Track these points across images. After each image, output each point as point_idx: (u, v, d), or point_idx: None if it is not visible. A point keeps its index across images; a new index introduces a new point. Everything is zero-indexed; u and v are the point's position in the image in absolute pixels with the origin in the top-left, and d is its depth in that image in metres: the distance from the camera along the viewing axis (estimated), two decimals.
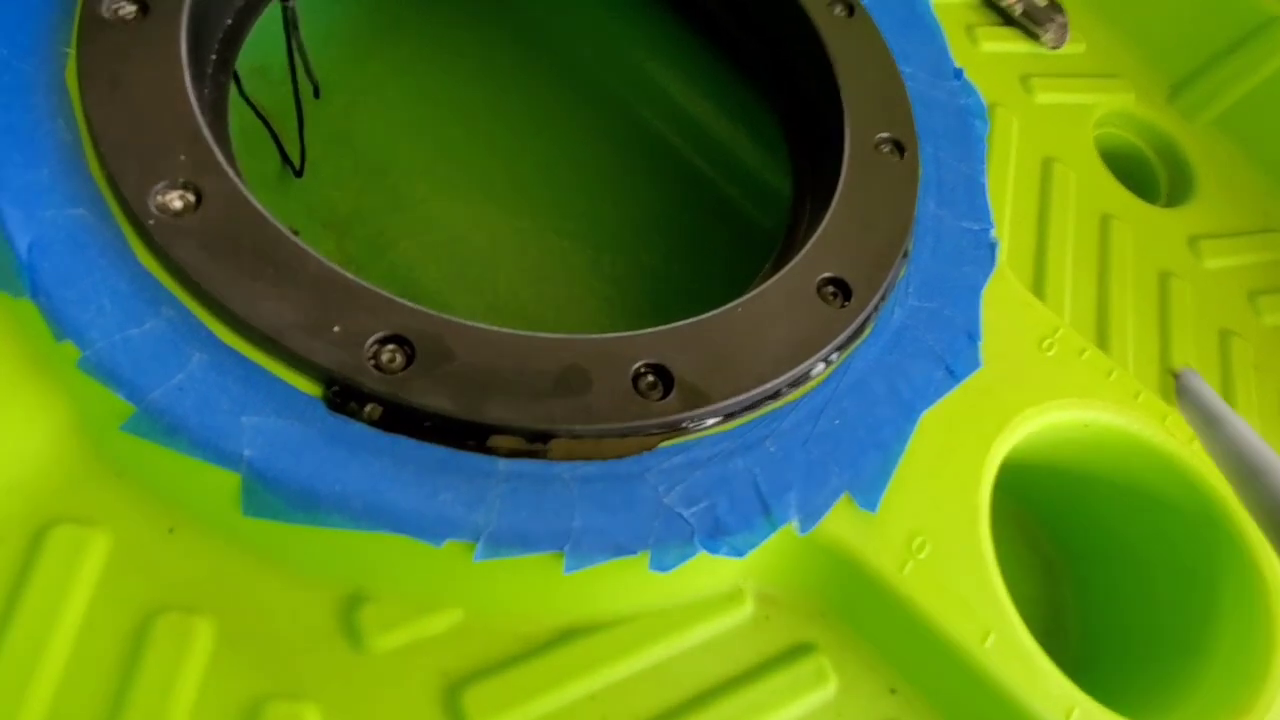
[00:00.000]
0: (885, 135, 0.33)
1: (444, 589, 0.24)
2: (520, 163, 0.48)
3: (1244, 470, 0.15)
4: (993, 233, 0.33)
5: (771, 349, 0.28)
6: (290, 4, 0.34)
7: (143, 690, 0.21)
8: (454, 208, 0.49)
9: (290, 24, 0.34)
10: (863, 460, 0.27)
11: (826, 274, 0.29)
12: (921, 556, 0.26)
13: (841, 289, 0.29)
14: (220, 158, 0.26)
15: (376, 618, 0.23)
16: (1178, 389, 0.16)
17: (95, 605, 0.21)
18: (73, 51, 0.27)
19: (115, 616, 0.22)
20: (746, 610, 0.26)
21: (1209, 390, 0.16)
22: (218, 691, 0.21)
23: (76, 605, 0.21)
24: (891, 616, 0.26)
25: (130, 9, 0.28)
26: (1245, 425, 0.16)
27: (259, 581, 0.23)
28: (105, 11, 0.27)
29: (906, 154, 0.33)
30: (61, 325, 0.23)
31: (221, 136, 0.29)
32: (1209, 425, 0.16)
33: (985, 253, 0.33)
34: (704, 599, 0.26)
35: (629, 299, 0.47)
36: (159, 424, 0.22)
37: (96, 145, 0.25)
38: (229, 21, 0.32)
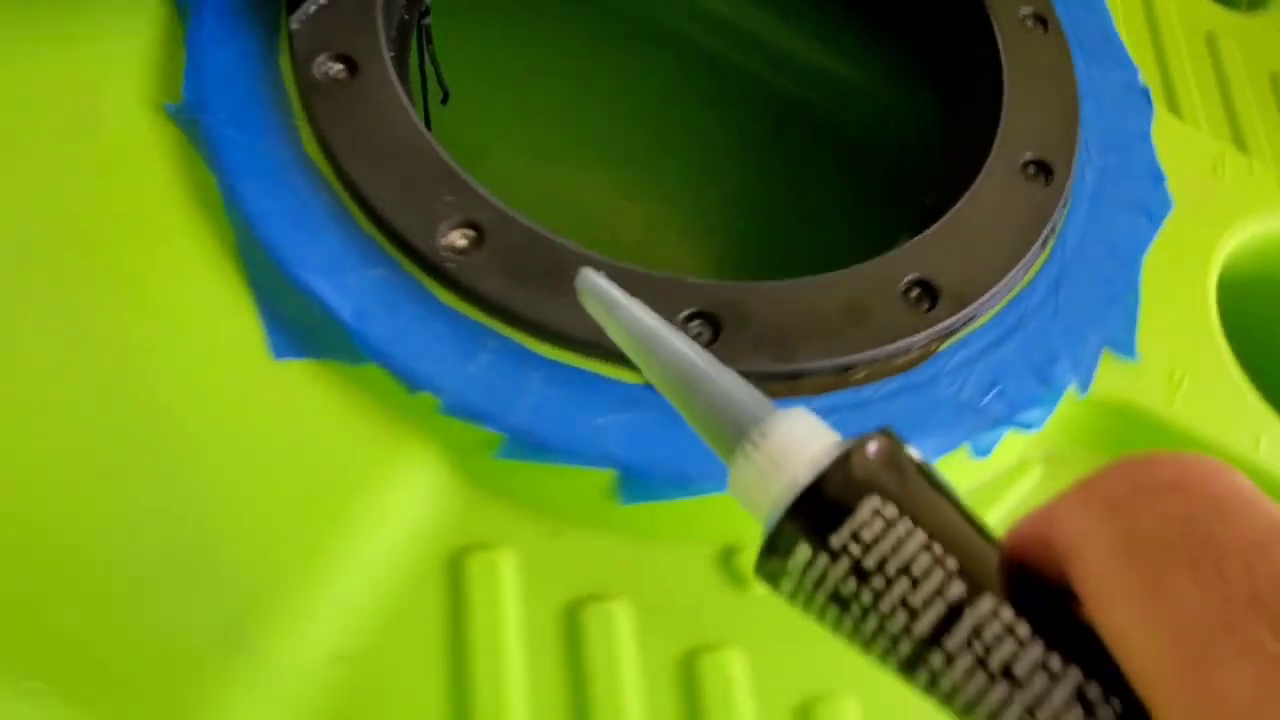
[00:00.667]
0: (1028, 10, 0.34)
1: None
2: (613, 122, 0.49)
3: (641, 347, 0.17)
4: (1141, 77, 0.35)
5: (1004, 238, 0.30)
6: (426, 21, 0.34)
7: (594, 676, 0.23)
8: (560, 175, 0.50)
9: (426, 40, 0.35)
10: (1109, 316, 0.30)
11: (1027, 156, 0.31)
12: (1183, 388, 0.29)
13: (1042, 168, 0.31)
14: (478, 188, 0.27)
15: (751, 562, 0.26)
16: (577, 286, 0.18)
17: (526, 615, 0.24)
18: (302, 123, 0.28)
19: (545, 620, 0.24)
20: (1035, 475, 0.29)
21: (605, 282, 0.18)
22: (652, 659, 0.24)
23: (512, 619, 0.24)
24: (1168, 448, 0.29)
25: (338, 68, 0.29)
26: (640, 308, 0.17)
27: (646, 556, 0.25)
28: (318, 75, 0.28)
29: (1050, 24, 0.34)
30: (413, 379, 0.25)
31: None
32: (609, 314, 0.18)
33: (1141, 99, 0.35)
34: (999, 475, 0.29)
35: (744, 225, 0.49)
36: (528, 444, 0.25)
37: (367, 206, 0.27)
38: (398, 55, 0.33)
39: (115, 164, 0.27)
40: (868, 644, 0.13)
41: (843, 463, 0.13)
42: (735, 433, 0.15)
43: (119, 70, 0.29)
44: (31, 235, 0.26)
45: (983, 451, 0.27)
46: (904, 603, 0.12)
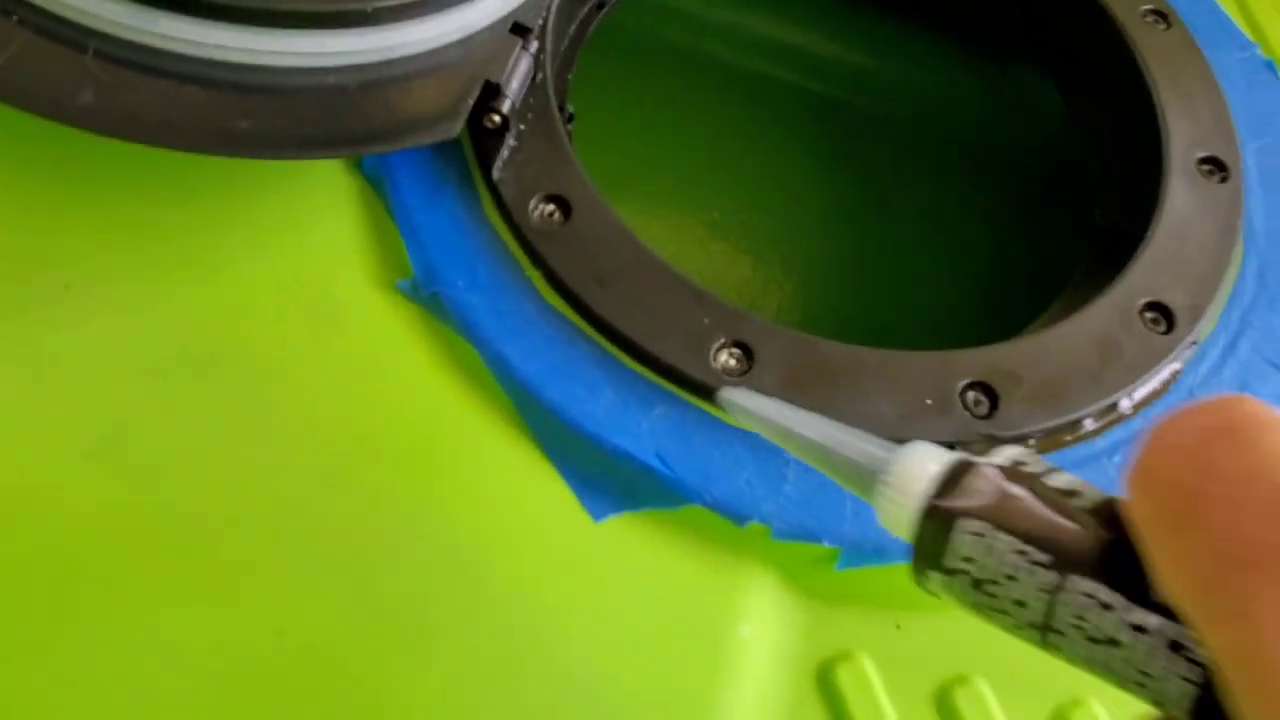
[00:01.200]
0: (1148, 7, 0.35)
1: None
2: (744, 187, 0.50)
3: (788, 436, 0.20)
4: (1260, 52, 0.36)
5: (1209, 243, 0.31)
6: (570, 126, 0.34)
7: None
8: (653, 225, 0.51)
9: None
10: None
11: (1198, 155, 0.32)
12: None
13: (1216, 165, 0.32)
14: (730, 304, 0.28)
15: None
16: (722, 405, 0.23)
17: (904, 711, 0.25)
18: (532, 272, 0.28)
19: (922, 710, 0.25)
20: None
21: (740, 395, 0.22)
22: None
23: (893, 717, 0.25)
24: None
25: (550, 208, 0.29)
26: (777, 405, 0.21)
27: (985, 629, 0.26)
28: (535, 221, 0.28)
29: (1170, 17, 0.35)
30: (739, 512, 0.25)
31: None
32: (751, 418, 0.22)
33: (1268, 74, 0.36)
34: None
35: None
36: (866, 552, 0.25)
37: (631, 345, 0.27)
38: None
39: (370, 354, 0.27)
40: (1012, 632, 0.15)
41: (939, 494, 0.16)
42: (870, 478, 0.17)
43: (336, 257, 0.28)
44: (321, 452, 0.25)
45: None
46: (1014, 599, 0.14)
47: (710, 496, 0.25)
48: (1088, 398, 0.28)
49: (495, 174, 0.29)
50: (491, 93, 0.28)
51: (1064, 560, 0.14)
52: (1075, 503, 0.15)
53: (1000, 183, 0.47)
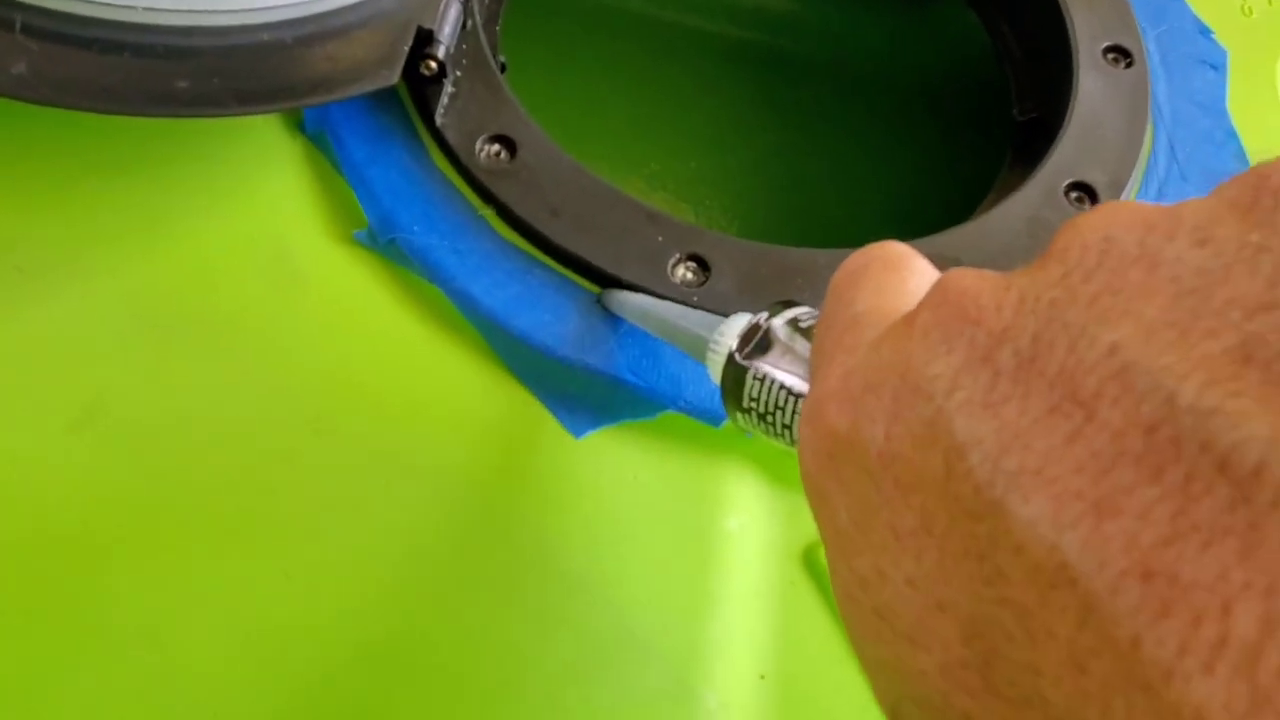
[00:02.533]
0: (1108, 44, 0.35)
1: None
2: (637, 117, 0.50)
3: (651, 321, 0.25)
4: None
5: (1121, 125, 0.33)
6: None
7: None
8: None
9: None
10: (1225, 165, 0.33)
11: (1104, 44, 0.34)
12: None
13: (1121, 53, 0.34)
14: (683, 223, 0.28)
15: None
16: (607, 305, 0.27)
17: None
18: (486, 211, 0.29)
19: None
20: None
21: (620, 293, 0.27)
22: None
23: None
24: None
25: (496, 148, 0.29)
26: (645, 299, 0.26)
27: None
28: (484, 161, 0.29)
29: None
30: (715, 413, 0.26)
31: None
32: (626, 310, 0.27)
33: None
34: None
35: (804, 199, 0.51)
36: None
37: (592, 270, 0.27)
38: None
39: (336, 304, 0.27)
40: (785, 446, 0.19)
41: (731, 354, 0.20)
42: (704, 344, 0.22)
43: (288, 216, 0.28)
44: (301, 403, 0.26)
45: None
46: (782, 425, 0.18)
47: (684, 402, 0.26)
48: None
49: (438, 120, 0.29)
50: (425, 39, 0.28)
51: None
52: None
53: (926, 110, 0.49)
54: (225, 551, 0.24)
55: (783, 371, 0.18)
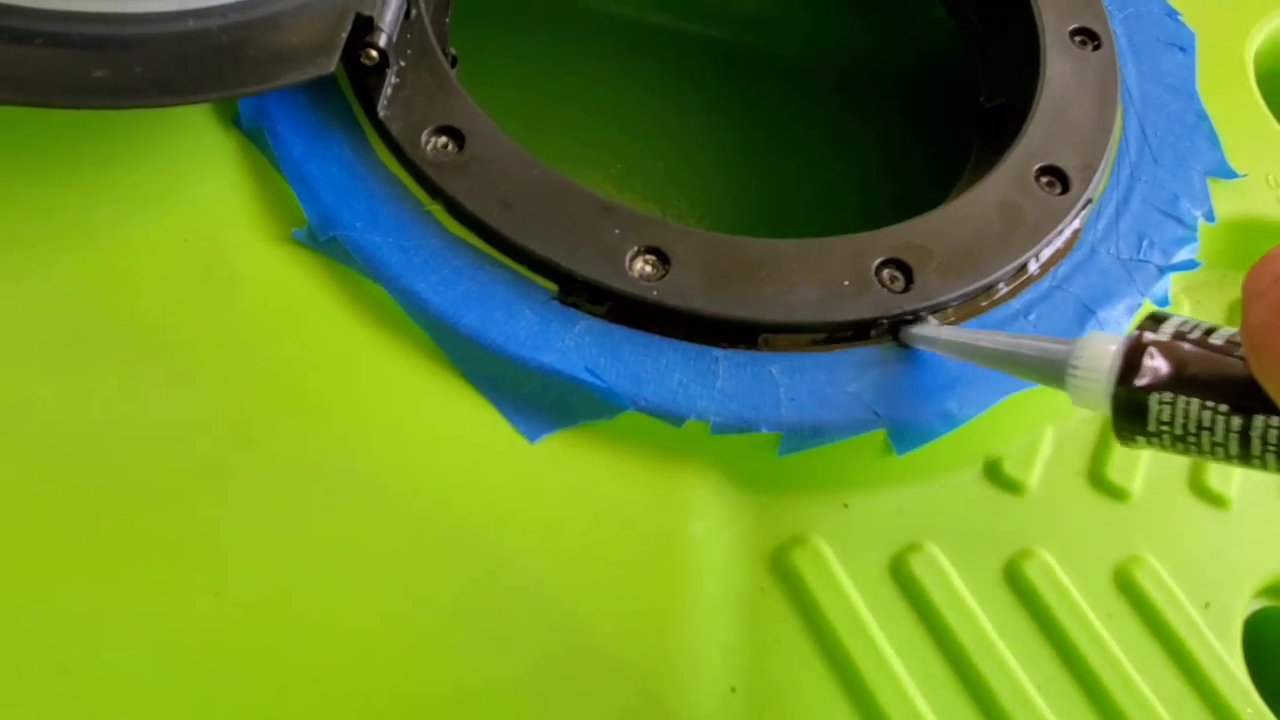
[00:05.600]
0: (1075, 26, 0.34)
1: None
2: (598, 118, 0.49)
3: (972, 355, 0.25)
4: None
5: (1090, 107, 0.32)
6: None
7: (942, 614, 0.24)
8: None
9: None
10: (1197, 147, 0.32)
11: (1071, 27, 0.33)
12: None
13: (1087, 34, 0.33)
14: (641, 213, 0.27)
15: (1016, 465, 0.27)
16: (909, 342, 0.27)
17: (862, 584, 0.25)
18: (433, 205, 0.27)
19: (879, 582, 0.25)
20: (1186, 308, 0.32)
21: (925, 329, 0.26)
22: (980, 581, 0.25)
23: (853, 592, 0.24)
24: None
25: (443, 140, 0.28)
26: (952, 330, 0.26)
27: (928, 494, 0.26)
28: (430, 154, 0.27)
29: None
30: (675, 412, 0.25)
31: None
32: (937, 345, 0.26)
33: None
34: None
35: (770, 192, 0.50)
36: (805, 433, 0.25)
37: (545, 264, 0.26)
38: None
39: (273, 307, 0.26)
40: (1221, 462, 0.18)
41: (1121, 381, 0.19)
42: (1059, 371, 0.21)
43: (223, 215, 0.27)
44: (233, 410, 0.24)
45: (1163, 301, 0.29)
46: (1213, 443, 0.18)
47: (645, 401, 0.25)
48: (997, 262, 0.28)
49: (381, 112, 0.28)
50: (365, 27, 0.27)
51: (1244, 406, 0.17)
52: (1238, 352, 0.18)
53: (893, 105, 0.48)
54: (150, 570, 0.22)
55: (1197, 392, 0.18)
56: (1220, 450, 0.18)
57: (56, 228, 0.25)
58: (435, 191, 0.27)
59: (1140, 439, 0.19)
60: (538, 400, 0.25)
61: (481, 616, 0.23)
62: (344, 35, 0.26)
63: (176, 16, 0.24)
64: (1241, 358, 0.18)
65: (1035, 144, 0.30)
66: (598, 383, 0.25)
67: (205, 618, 0.21)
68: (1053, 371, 0.21)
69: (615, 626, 0.23)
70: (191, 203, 0.27)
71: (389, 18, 0.27)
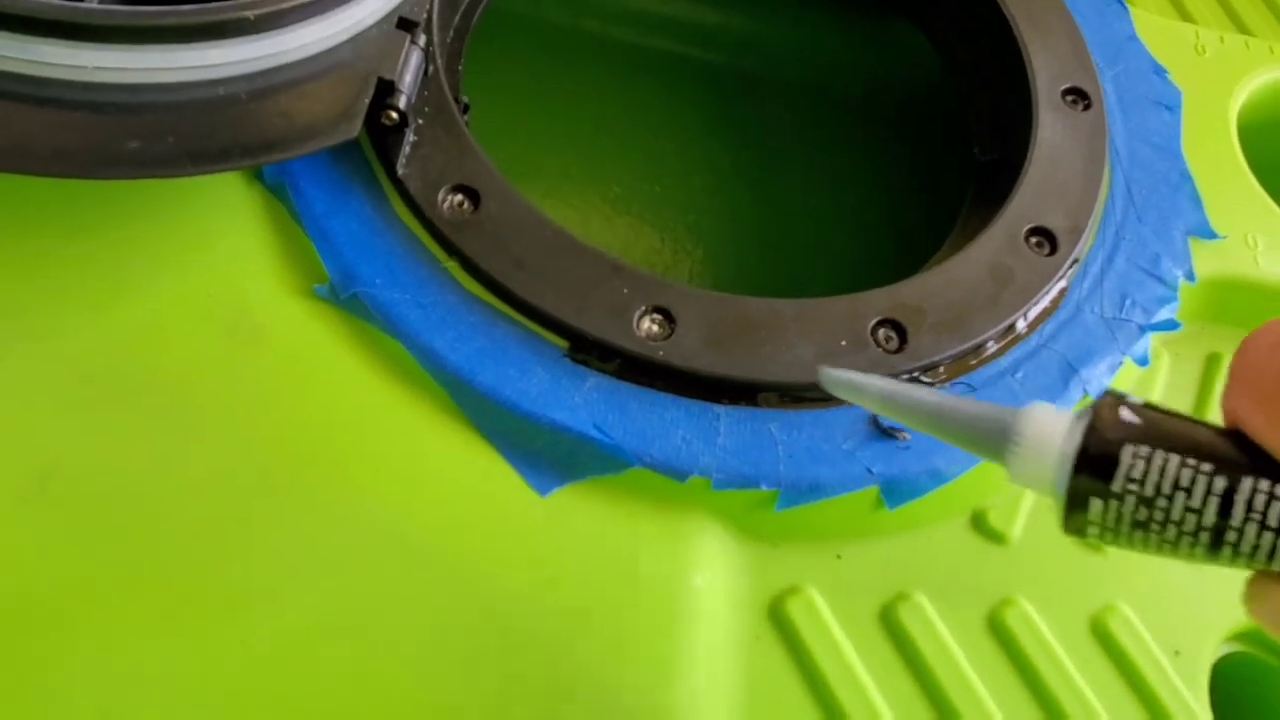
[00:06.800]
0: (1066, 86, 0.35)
1: None
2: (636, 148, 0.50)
3: (897, 409, 0.21)
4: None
5: (1079, 168, 0.33)
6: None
7: (929, 660, 0.26)
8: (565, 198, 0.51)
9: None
10: (1180, 206, 0.34)
11: (1063, 86, 0.35)
12: (1259, 248, 0.34)
13: (1079, 96, 0.35)
14: (647, 274, 0.28)
15: (1000, 517, 0.29)
16: (826, 386, 0.23)
17: (853, 633, 0.26)
18: (449, 262, 0.28)
19: (869, 631, 0.26)
20: (1166, 362, 0.33)
21: (844, 373, 0.22)
22: (962, 628, 0.27)
23: (844, 641, 0.26)
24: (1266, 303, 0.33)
25: (459, 198, 0.29)
26: (880, 379, 0.22)
27: (916, 545, 0.28)
28: (447, 213, 0.28)
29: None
30: (679, 469, 0.26)
31: None
32: (859, 394, 0.22)
33: (1117, 4, 0.39)
34: (1142, 373, 0.33)
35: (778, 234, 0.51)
36: (802, 490, 0.27)
37: (555, 323, 0.27)
38: None
39: (296, 361, 0.27)
40: (1175, 547, 0.17)
41: (1092, 430, 0.17)
42: (998, 441, 0.18)
43: (247, 270, 0.28)
44: (258, 463, 0.25)
45: (1143, 361, 0.31)
46: (1187, 508, 0.16)
47: (650, 457, 0.26)
48: (988, 322, 0.29)
49: (400, 170, 0.29)
50: (386, 90, 0.28)
51: (1226, 466, 0.16)
52: (1204, 423, 0.17)
53: (888, 133, 0.49)
54: (182, 621, 0.23)
55: (1175, 449, 0.16)
56: (1190, 519, 0.16)
57: (85, 282, 0.26)
58: (451, 249, 0.28)
59: (1097, 504, 0.17)
60: (549, 455, 0.26)
61: (490, 659, 0.24)
62: (367, 100, 0.27)
63: (208, 84, 0.25)
64: (1212, 427, 0.17)
65: (1026, 205, 0.32)
66: (606, 440, 0.26)
67: (235, 666, 0.23)
68: (988, 438, 0.19)
69: (621, 675, 0.25)
70: (216, 258, 0.28)
71: (408, 80, 0.29)
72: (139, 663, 0.22)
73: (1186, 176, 0.34)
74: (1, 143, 0.23)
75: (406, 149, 0.29)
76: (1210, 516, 0.16)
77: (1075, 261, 0.31)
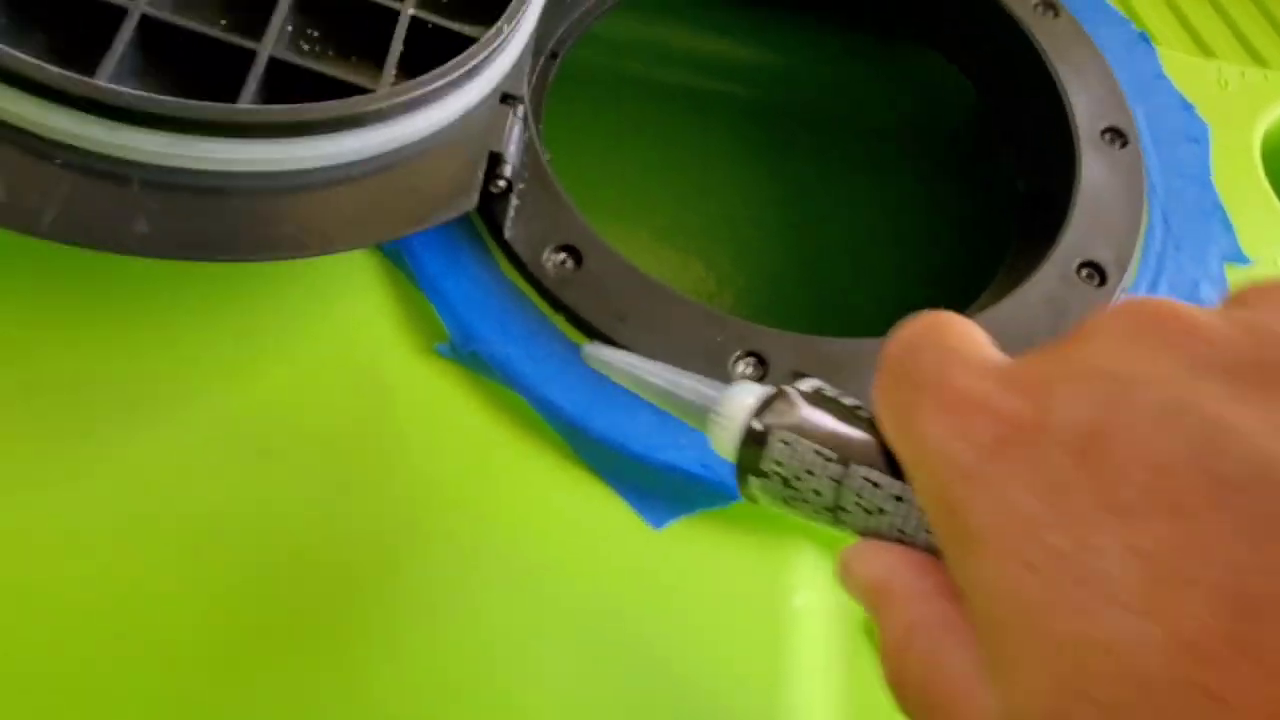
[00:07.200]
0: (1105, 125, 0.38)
1: None
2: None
3: (638, 384, 0.24)
4: (1135, 26, 0.41)
5: (1122, 202, 0.36)
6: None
7: None
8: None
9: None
10: (1214, 233, 0.36)
11: (1101, 126, 0.37)
12: None
13: (1117, 135, 0.37)
14: (741, 322, 0.31)
15: None
16: (585, 359, 0.25)
17: None
18: (556, 318, 0.31)
19: None
20: None
21: (602, 350, 0.25)
22: None
23: None
24: None
25: (562, 257, 0.31)
26: (632, 357, 0.24)
27: None
28: (551, 271, 0.31)
29: (1058, 8, 0.40)
30: None
31: None
32: (611, 370, 0.25)
33: (1144, 45, 0.41)
34: None
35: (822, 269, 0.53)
36: None
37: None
38: None
39: (424, 415, 0.29)
40: (819, 519, 0.19)
41: (757, 415, 0.20)
42: (705, 415, 0.21)
43: (372, 332, 0.30)
44: (401, 511, 0.28)
45: None
46: (812, 489, 0.19)
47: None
48: None
49: (507, 233, 0.31)
50: (495, 161, 0.31)
51: (846, 455, 0.18)
52: (861, 414, 0.19)
53: (922, 163, 0.52)
54: (349, 657, 0.26)
55: (810, 437, 0.19)
56: (815, 499, 0.18)
57: (228, 354, 0.29)
58: (557, 305, 0.31)
59: (754, 480, 0.20)
60: (660, 491, 0.29)
61: (619, 682, 0.27)
62: (481, 174, 0.30)
63: (343, 168, 0.28)
64: (861, 420, 0.18)
65: (1075, 240, 0.34)
66: (711, 477, 0.29)
67: (395, 705, 0.25)
68: (701, 412, 0.21)
69: (731, 697, 0.27)
70: (341, 321, 0.30)
71: (513, 150, 0.31)
72: (315, 701, 0.25)
73: (1218, 205, 0.37)
74: (172, 235, 0.25)
75: (511, 213, 0.32)
76: (829, 498, 0.18)
77: (1124, 290, 0.34)
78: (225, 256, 0.26)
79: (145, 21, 0.27)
